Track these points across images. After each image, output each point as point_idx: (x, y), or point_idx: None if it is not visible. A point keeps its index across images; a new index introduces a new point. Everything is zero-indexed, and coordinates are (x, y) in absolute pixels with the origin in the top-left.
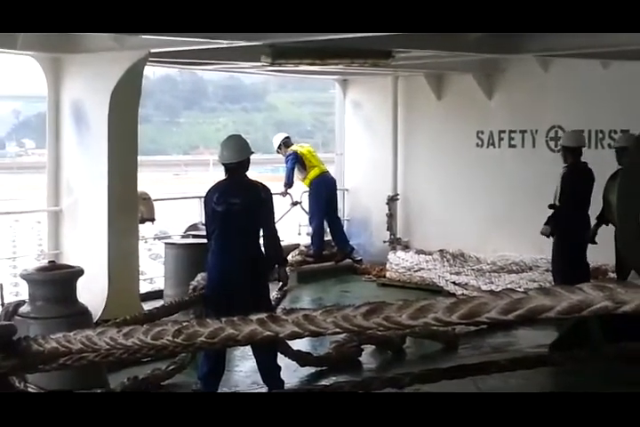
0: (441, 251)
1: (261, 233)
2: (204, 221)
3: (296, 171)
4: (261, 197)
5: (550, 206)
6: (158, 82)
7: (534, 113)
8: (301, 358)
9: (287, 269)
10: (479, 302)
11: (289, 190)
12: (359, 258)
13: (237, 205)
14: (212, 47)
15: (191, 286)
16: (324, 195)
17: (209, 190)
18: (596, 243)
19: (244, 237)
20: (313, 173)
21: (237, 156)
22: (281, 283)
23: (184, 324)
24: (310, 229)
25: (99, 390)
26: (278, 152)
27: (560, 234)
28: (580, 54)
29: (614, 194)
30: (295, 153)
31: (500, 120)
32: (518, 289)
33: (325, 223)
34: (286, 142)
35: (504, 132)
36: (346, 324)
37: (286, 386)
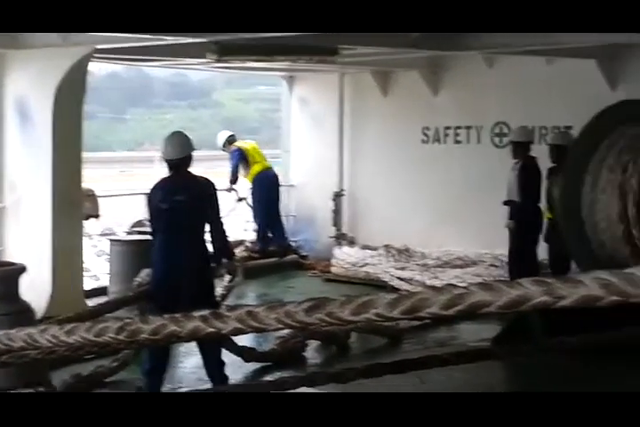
0: (386, 246)
1: (207, 229)
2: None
3: (240, 167)
4: (206, 192)
5: (505, 203)
6: (104, 78)
7: (479, 109)
8: (246, 353)
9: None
10: (420, 297)
11: (234, 186)
12: (305, 253)
13: (183, 202)
14: (157, 44)
15: (135, 283)
16: (266, 191)
17: (153, 187)
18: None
19: (189, 233)
20: (255, 170)
21: (180, 152)
22: (230, 276)
23: (126, 321)
24: (255, 226)
25: (41, 388)
26: (223, 150)
27: (520, 228)
28: (525, 51)
29: (557, 190)
30: (239, 149)
31: (446, 116)
32: (463, 284)
33: (260, 217)
34: (231, 140)
35: (449, 128)
36: (288, 320)
37: (231, 382)
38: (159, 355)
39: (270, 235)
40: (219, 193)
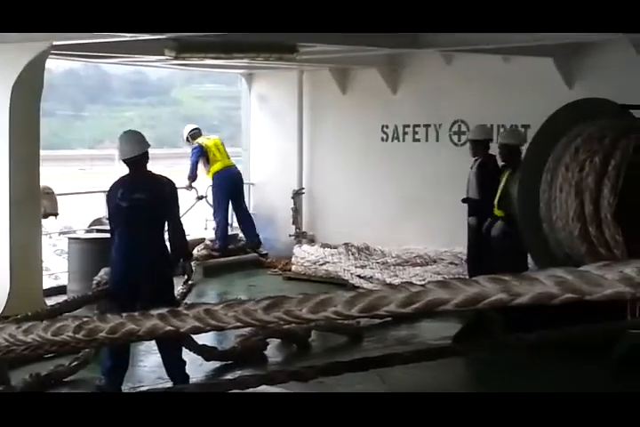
0: (346, 244)
1: (166, 227)
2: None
3: (201, 164)
4: (166, 191)
5: (464, 200)
6: (62, 75)
7: (438, 107)
8: (206, 352)
9: (192, 263)
10: (378, 295)
11: (193, 184)
12: (265, 252)
13: (142, 200)
14: (115, 40)
15: (95, 282)
16: (227, 189)
17: (112, 186)
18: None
19: (148, 231)
20: (216, 167)
21: (136, 149)
22: (186, 277)
23: (84, 319)
24: (215, 224)
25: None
26: (188, 144)
27: (479, 225)
28: (482, 50)
29: (514, 187)
30: (200, 146)
31: (405, 114)
32: (422, 282)
33: (233, 217)
34: (194, 134)
35: (408, 126)
36: (247, 318)
37: (191, 380)
38: (119, 353)
39: (234, 233)
40: (178, 192)
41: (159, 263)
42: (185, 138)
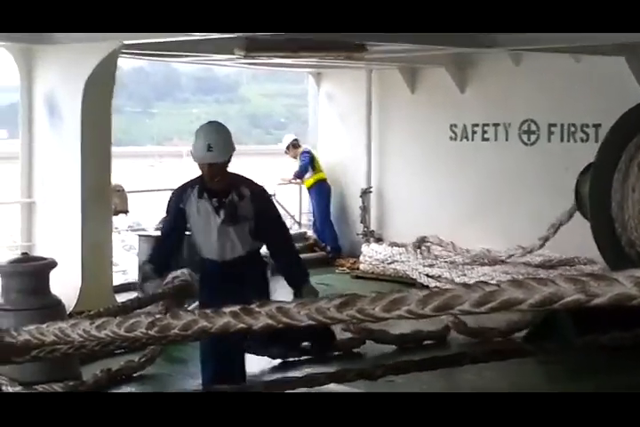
0: (415, 243)
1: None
2: None
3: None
4: None
5: None
6: (130, 73)
7: (507, 106)
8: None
9: None
10: (452, 294)
11: (293, 181)
12: (332, 253)
13: None
14: (185, 39)
15: (168, 279)
16: (328, 198)
17: None
18: None
19: None
20: (319, 176)
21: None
22: None
23: (157, 316)
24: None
25: (72, 383)
26: (286, 153)
27: None
28: (552, 49)
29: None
30: (310, 152)
31: (474, 113)
32: (491, 282)
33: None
34: (295, 144)
35: (477, 125)
36: (319, 316)
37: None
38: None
39: (309, 231)
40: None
41: None
42: (286, 146)
